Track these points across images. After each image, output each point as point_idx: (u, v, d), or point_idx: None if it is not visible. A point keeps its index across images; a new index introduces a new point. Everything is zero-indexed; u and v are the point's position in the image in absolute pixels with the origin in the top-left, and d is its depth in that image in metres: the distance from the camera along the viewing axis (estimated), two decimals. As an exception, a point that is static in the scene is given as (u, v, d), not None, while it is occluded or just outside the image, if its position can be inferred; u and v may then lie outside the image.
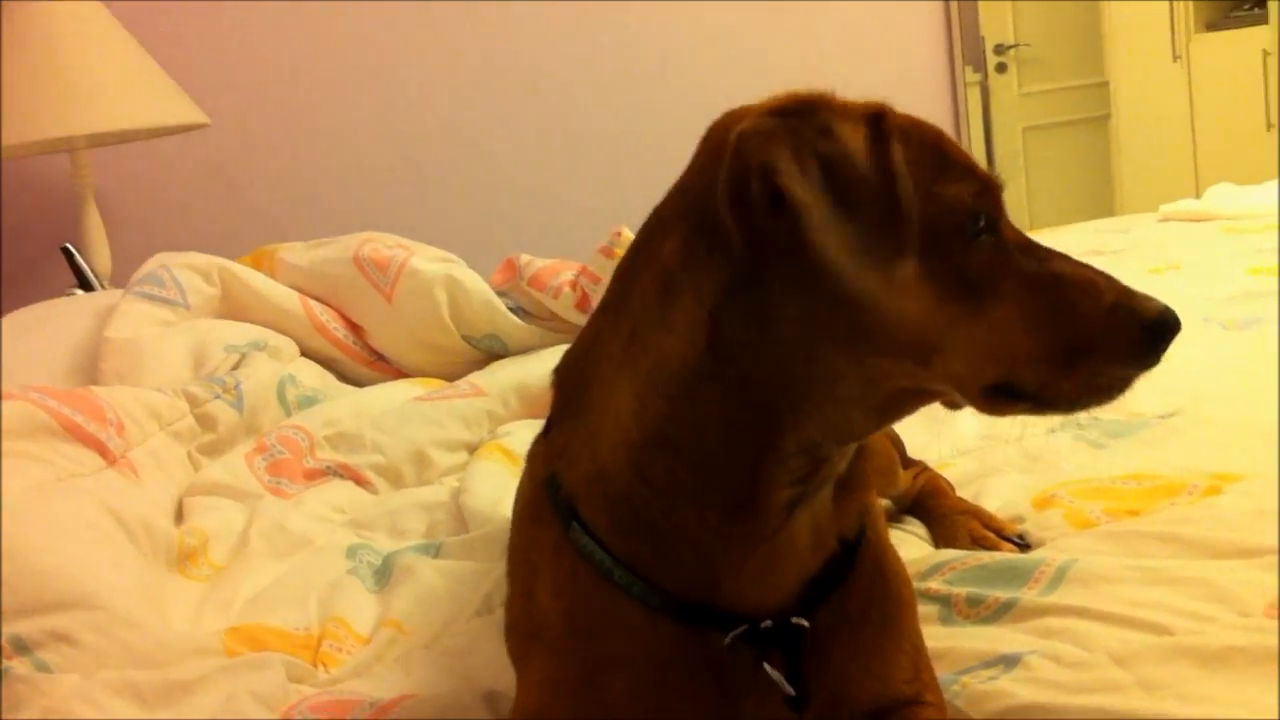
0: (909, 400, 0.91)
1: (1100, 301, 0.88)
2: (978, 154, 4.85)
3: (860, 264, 0.81)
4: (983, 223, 0.87)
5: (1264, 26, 4.84)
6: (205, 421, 1.84)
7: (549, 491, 0.99)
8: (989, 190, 0.89)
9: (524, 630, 1.03)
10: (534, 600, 1.00)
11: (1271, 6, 4.74)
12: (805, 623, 0.93)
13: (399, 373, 2.25)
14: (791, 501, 0.90)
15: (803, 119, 0.84)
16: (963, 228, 0.86)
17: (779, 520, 0.90)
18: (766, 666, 0.91)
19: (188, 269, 2.18)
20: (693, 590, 0.92)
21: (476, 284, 2.21)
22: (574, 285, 2.16)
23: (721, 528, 0.90)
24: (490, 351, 2.23)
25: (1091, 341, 0.87)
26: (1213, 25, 5.39)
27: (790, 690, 0.91)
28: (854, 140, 0.83)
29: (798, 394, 0.86)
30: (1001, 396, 0.88)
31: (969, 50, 4.84)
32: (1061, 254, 0.91)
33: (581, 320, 1.83)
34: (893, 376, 0.87)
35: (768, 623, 0.91)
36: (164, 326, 2.06)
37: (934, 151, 0.88)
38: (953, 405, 0.93)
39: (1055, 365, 0.87)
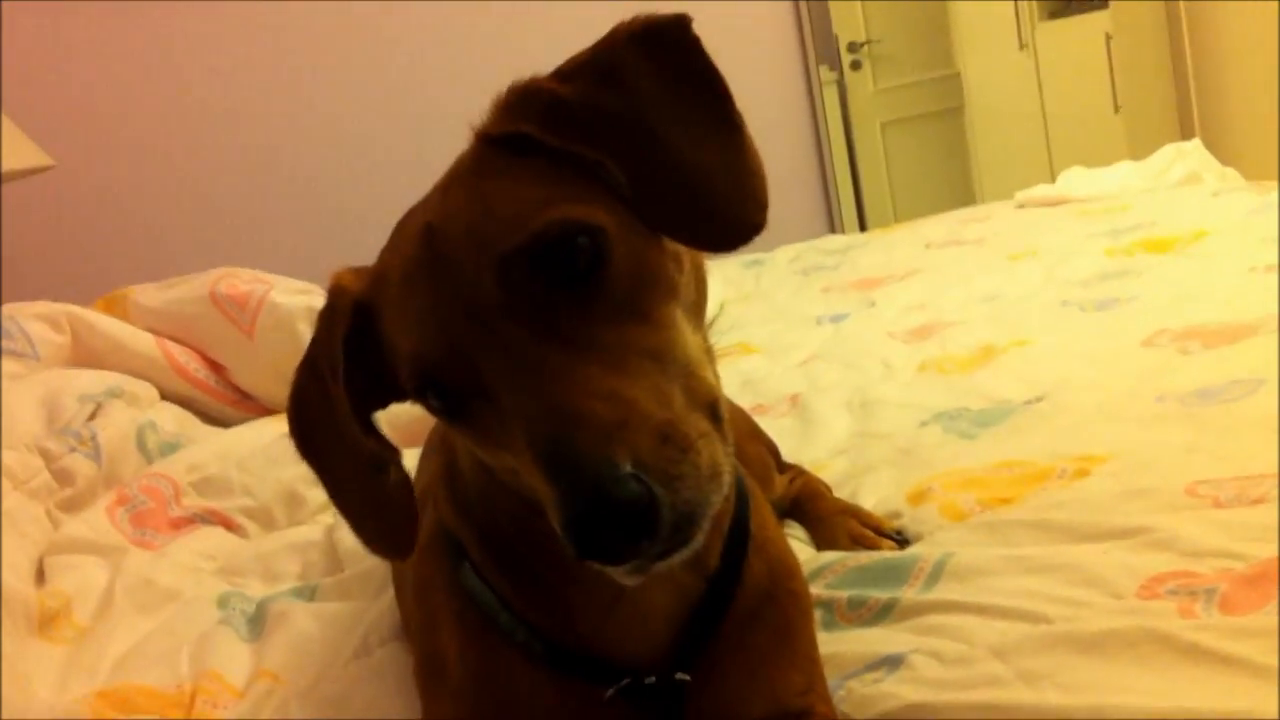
0: None
1: None
2: (838, 152, 4.88)
3: None
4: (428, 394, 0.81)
5: (1104, 11, 4.96)
6: (62, 477, 1.76)
7: (440, 526, 0.98)
8: (414, 362, 0.81)
9: (431, 666, 1.01)
10: (438, 636, 0.99)
11: (1110, -9, 4.87)
12: (687, 678, 0.91)
13: (265, 410, 2.19)
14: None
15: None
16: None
17: (615, 590, 0.86)
18: None
19: (34, 318, 2.10)
20: (567, 637, 0.90)
21: (339, 314, 2.16)
22: (441, 309, 2.12)
23: (569, 582, 0.89)
24: (359, 382, 2.18)
25: None
26: (1055, 13, 5.52)
27: None
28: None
29: None
30: None
31: (823, 50, 4.90)
32: None
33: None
34: None
35: (650, 679, 0.90)
36: (12, 380, 1.98)
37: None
38: None
39: None
